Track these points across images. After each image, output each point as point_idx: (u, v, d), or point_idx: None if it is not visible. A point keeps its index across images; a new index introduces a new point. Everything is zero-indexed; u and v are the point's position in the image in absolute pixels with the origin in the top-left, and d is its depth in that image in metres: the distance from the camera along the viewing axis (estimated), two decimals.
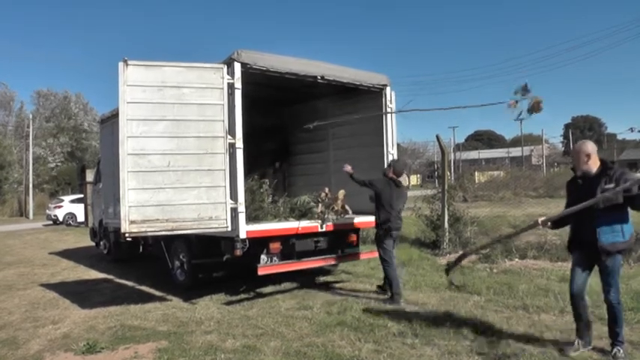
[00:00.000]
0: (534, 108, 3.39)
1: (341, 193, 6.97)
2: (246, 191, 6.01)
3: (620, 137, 67.86)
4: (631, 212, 3.85)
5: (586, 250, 3.96)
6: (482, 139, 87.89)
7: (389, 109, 7.36)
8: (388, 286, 6.29)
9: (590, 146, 3.95)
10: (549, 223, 4.07)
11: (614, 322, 3.95)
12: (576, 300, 4.09)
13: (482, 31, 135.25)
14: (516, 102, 3.31)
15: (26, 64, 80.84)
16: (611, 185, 3.70)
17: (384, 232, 6.22)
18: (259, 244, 6.19)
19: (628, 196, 3.64)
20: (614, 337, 3.95)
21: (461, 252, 4.94)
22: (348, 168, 6.48)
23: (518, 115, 3.50)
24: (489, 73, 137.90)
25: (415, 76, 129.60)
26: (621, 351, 3.88)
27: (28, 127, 35.96)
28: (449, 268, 5.11)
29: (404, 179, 6.48)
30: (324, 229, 6.64)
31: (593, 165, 3.88)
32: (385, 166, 6.81)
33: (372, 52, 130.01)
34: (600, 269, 3.95)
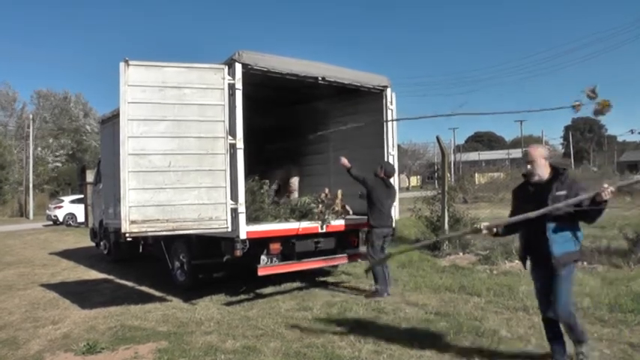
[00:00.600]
0: (601, 111, 3.31)
1: (339, 192, 7.04)
2: (246, 192, 6.02)
3: (620, 139, 67.97)
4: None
5: (540, 262, 3.67)
6: (482, 140, 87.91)
7: (389, 111, 7.38)
8: (374, 280, 6.52)
9: (546, 150, 3.77)
10: (494, 230, 3.73)
11: (570, 331, 3.66)
12: (549, 323, 3.73)
13: (482, 32, 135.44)
14: (580, 104, 3.26)
15: (26, 65, 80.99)
16: (563, 192, 3.46)
17: (377, 231, 6.47)
18: (259, 244, 6.19)
19: (579, 210, 3.39)
20: (575, 341, 3.68)
21: (387, 253, 4.55)
22: (345, 161, 6.67)
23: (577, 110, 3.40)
24: (489, 75, 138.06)
25: (415, 77, 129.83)
26: (584, 351, 3.65)
27: (28, 127, 35.98)
28: (372, 267, 4.80)
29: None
30: (324, 230, 6.65)
31: (546, 171, 3.64)
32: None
33: (371, 53, 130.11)
34: (552, 278, 3.62)
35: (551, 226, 3.50)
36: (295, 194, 8.55)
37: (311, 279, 7.55)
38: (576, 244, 3.58)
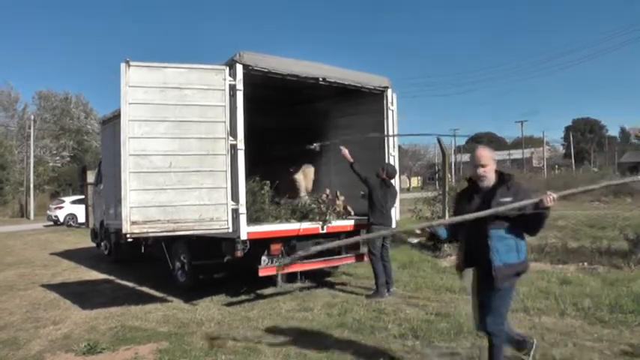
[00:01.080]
0: None
1: (337, 193, 7.07)
2: (247, 192, 6.03)
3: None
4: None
5: (479, 272, 3.40)
6: (483, 141, 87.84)
7: (390, 111, 7.41)
8: (374, 279, 6.58)
9: (493, 153, 3.49)
10: (427, 230, 3.52)
11: (491, 349, 3.38)
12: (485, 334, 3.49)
13: (481, 33, 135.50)
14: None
15: (28, 66, 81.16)
16: (508, 199, 3.21)
17: (377, 228, 6.48)
18: (260, 245, 6.19)
19: (523, 215, 3.18)
20: None
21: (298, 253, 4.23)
22: (346, 153, 6.73)
23: None
24: (489, 76, 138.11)
25: (413, 78, 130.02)
26: None
27: (29, 128, 36.02)
28: (280, 267, 4.39)
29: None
30: (325, 231, 6.66)
31: (493, 175, 3.38)
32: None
33: (369, 55, 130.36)
34: (490, 290, 3.37)
35: (493, 233, 3.25)
36: (302, 192, 8.40)
37: (311, 280, 7.55)
38: (520, 255, 3.33)
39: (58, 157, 43.48)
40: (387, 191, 6.68)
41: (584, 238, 9.36)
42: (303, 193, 8.07)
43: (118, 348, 4.74)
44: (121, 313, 6.06)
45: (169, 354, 4.50)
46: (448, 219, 3.39)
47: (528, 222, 3.23)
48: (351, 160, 6.69)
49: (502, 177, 3.37)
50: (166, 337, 5.02)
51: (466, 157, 65.40)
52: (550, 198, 3.07)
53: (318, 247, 4.91)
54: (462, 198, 3.57)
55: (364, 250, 7.25)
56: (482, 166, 3.35)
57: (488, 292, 3.35)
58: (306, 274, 7.45)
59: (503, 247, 3.26)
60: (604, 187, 3.67)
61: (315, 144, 7.63)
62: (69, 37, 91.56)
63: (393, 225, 6.97)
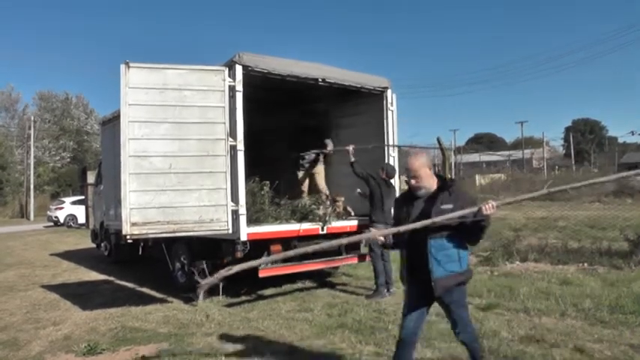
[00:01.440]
0: None
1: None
2: (247, 193, 6.03)
3: (621, 140, 68.08)
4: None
5: (421, 283, 3.20)
6: (483, 141, 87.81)
7: (390, 112, 7.42)
8: (374, 279, 6.61)
9: (428, 158, 3.31)
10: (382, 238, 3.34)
11: (472, 356, 3.35)
12: (403, 347, 3.42)
13: (481, 33, 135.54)
14: None
15: (28, 66, 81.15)
16: (449, 206, 3.07)
17: (379, 226, 6.41)
18: (260, 246, 6.19)
19: (463, 223, 3.05)
20: None
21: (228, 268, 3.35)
22: (351, 148, 6.74)
23: None
24: (489, 76, 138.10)
25: (413, 78, 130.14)
26: None
27: (29, 128, 36.05)
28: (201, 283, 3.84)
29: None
30: (325, 232, 6.66)
31: (433, 181, 3.23)
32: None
33: (369, 55, 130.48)
34: (441, 306, 3.31)
35: (433, 243, 3.11)
36: (305, 193, 8.33)
37: (312, 280, 7.55)
38: (462, 264, 3.17)
39: (58, 158, 43.50)
40: (387, 190, 6.70)
41: (584, 238, 9.36)
42: (305, 194, 8.08)
43: (118, 349, 4.74)
44: (121, 314, 6.06)
45: (169, 355, 4.50)
46: (394, 228, 3.24)
47: (468, 231, 3.12)
48: (353, 158, 6.70)
49: (443, 182, 3.25)
50: (166, 337, 5.02)
51: (466, 158, 65.54)
52: (489, 206, 2.97)
53: (288, 253, 4.46)
54: (402, 204, 3.38)
55: (365, 250, 7.25)
56: (414, 177, 3.20)
57: (424, 302, 3.34)
58: (306, 275, 7.46)
59: (444, 258, 3.13)
60: (545, 195, 3.59)
61: (329, 147, 7.71)
62: (69, 37, 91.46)
63: None
